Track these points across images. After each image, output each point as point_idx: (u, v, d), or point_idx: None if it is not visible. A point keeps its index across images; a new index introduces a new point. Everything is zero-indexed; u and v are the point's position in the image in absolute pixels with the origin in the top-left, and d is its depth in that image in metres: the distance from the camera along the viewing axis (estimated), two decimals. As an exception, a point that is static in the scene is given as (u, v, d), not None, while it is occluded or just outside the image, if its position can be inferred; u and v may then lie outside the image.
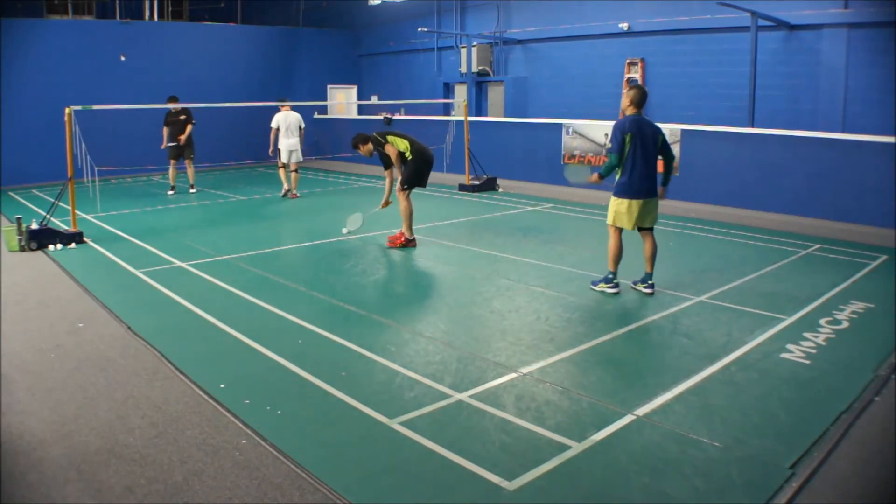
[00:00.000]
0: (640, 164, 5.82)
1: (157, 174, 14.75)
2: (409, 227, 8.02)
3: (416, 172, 8.03)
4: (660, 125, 6.09)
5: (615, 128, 5.85)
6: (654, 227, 6.16)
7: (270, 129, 12.11)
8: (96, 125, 11.40)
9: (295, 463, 3.29)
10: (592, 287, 6.21)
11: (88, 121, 9.71)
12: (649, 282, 6.08)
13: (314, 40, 19.60)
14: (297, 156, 12.16)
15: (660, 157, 6.01)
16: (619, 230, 6.05)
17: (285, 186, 12.35)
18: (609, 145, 5.83)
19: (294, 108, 12.39)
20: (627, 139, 5.78)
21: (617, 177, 5.94)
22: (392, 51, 19.30)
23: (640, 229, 6.08)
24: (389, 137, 8.00)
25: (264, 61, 18.59)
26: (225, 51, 17.82)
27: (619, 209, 5.96)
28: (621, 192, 5.93)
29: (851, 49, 10.85)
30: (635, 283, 6.24)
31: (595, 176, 5.96)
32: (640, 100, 5.91)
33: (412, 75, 18.60)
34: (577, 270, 6.82)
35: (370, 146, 8.12)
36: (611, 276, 6.09)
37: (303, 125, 12.19)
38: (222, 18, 19.85)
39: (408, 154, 7.97)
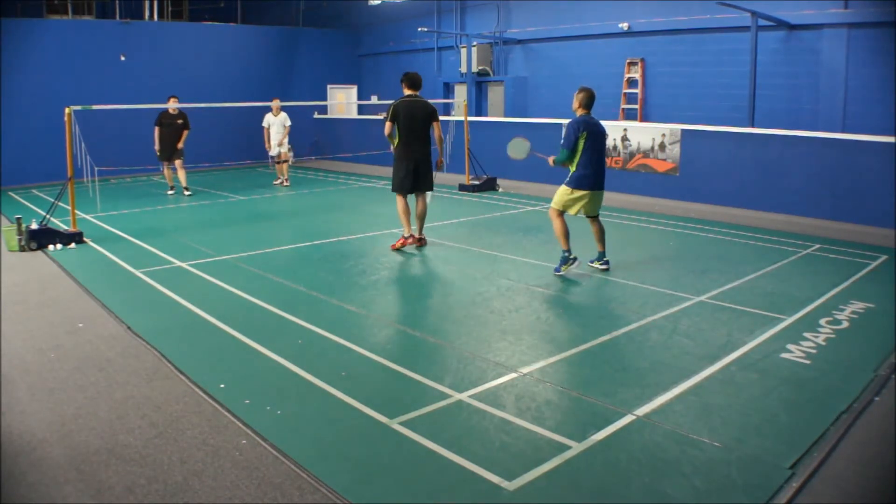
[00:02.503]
0: (594, 159, 6.40)
1: (157, 174, 14.76)
2: (406, 226, 7.90)
3: (394, 173, 7.91)
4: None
5: (569, 126, 6.36)
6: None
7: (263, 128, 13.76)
8: (96, 125, 11.39)
9: (295, 463, 3.29)
10: (556, 273, 6.58)
11: (88, 121, 9.72)
12: (604, 259, 6.77)
13: (314, 40, 19.60)
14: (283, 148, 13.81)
15: None
16: (561, 213, 6.52)
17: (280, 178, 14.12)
18: (562, 142, 6.36)
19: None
20: (582, 137, 6.29)
21: (572, 170, 6.44)
22: (392, 51, 19.30)
23: (588, 216, 6.67)
24: (397, 121, 7.66)
25: (264, 61, 18.59)
26: (225, 51, 17.81)
27: (570, 197, 6.46)
28: (579, 183, 6.42)
29: (851, 49, 10.85)
30: (592, 262, 6.87)
31: (550, 159, 6.54)
32: (589, 102, 6.49)
33: (412, 75, 18.59)
34: (577, 270, 6.82)
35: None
36: (566, 254, 6.53)
37: (287, 123, 13.61)
38: (222, 18, 19.84)
39: (393, 147, 7.89)
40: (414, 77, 7.89)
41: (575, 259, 6.50)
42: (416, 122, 7.72)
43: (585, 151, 6.34)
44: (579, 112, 6.50)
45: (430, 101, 8.18)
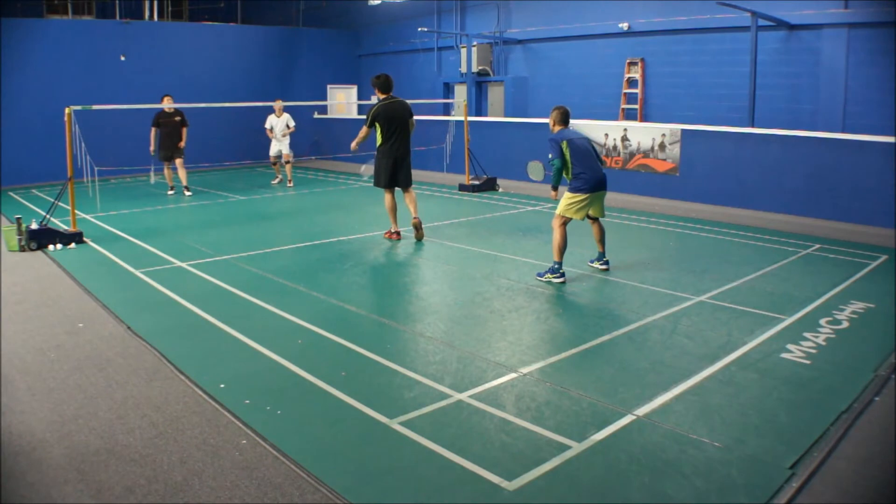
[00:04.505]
0: (586, 164, 6.44)
1: (157, 174, 14.75)
2: (392, 221, 8.43)
3: (377, 171, 8.32)
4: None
5: (551, 141, 6.51)
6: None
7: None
8: (96, 125, 11.41)
9: (295, 463, 3.29)
10: (539, 278, 6.56)
11: (88, 121, 9.71)
12: (604, 259, 6.87)
13: (314, 40, 19.59)
14: (284, 147, 13.92)
15: None
16: (565, 223, 6.52)
17: (279, 178, 14.41)
18: (550, 156, 6.49)
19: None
20: (564, 146, 6.42)
21: (569, 179, 6.52)
22: (392, 51, 19.30)
23: (589, 218, 6.72)
24: (377, 124, 8.09)
25: (264, 61, 18.58)
26: (225, 51, 17.81)
27: (572, 202, 6.46)
28: (579, 188, 6.46)
29: (851, 49, 10.85)
30: (592, 262, 6.97)
31: (552, 193, 6.59)
32: (563, 118, 6.64)
33: (412, 75, 18.60)
34: (577, 270, 6.82)
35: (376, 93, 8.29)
36: (557, 265, 6.50)
37: (291, 124, 13.81)
38: (222, 18, 19.85)
39: (377, 144, 8.23)
40: (385, 81, 8.27)
41: (563, 275, 6.44)
42: (396, 122, 8.16)
43: (573, 159, 6.42)
44: (556, 128, 6.62)
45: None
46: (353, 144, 8.46)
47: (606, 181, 6.58)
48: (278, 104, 13.67)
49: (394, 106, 8.16)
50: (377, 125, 8.10)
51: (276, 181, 14.30)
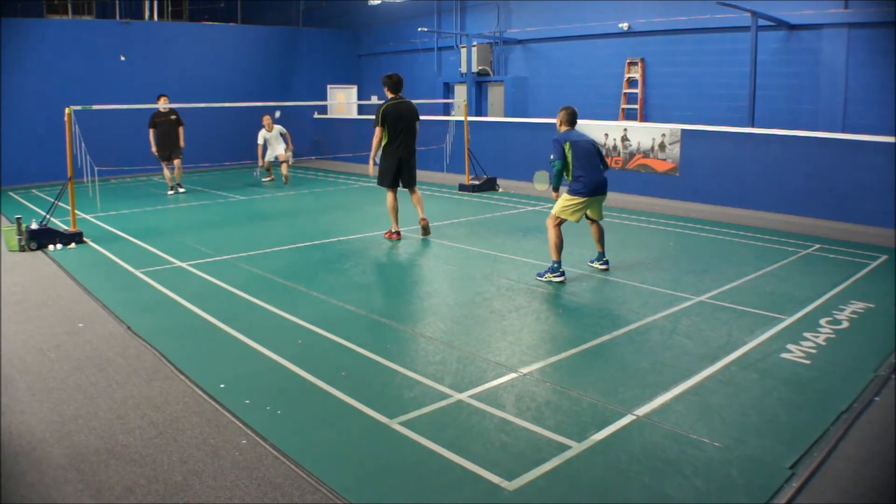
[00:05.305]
0: (586, 167, 6.42)
1: (157, 174, 14.76)
2: (394, 221, 8.43)
3: (382, 171, 8.32)
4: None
5: (554, 141, 6.51)
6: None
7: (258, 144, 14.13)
8: (96, 125, 11.39)
9: (295, 463, 3.29)
10: (539, 278, 6.56)
11: (88, 121, 9.71)
12: (604, 259, 6.87)
13: (314, 40, 19.59)
14: (280, 151, 14.08)
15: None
16: (559, 224, 6.53)
17: (270, 177, 14.56)
18: (552, 156, 6.48)
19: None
20: (567, 147, 6.42)
21: (569, 181, 6.52)
22: (392, 51, 19.29)
23: (589, 219, 6.75)
24: (385, 123, 8.07)
25: (264, 61, 18.58)
26: (225, 51, 17.81)
27: (569, 204, 6.48)
28: (577, 191, 6.46)
29: (851, 49, 10.84)
30: (591, 262, 6.97)
31: (553, 194, 6.61)
32: (570, 119, 6.65)
33: (412, 75, 18.54)
34: (576, 270, 6.82)
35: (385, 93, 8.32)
36: (556, 265, 6.49)
37: (284, 132, 14.07)
38: (222, 18, 19.84)
39: (383, 144, 8.24)
40: (398, 81, 8.29)
41: (563, 273, 6.44)
42: (403, 122, 8.17)
43: (575, 161, 6.42)
44: (562, 129, 6.61)
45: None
46: (372, 160, 8.29)
47: (607, 186, 6.55)
48: (267, 119, 13.86)
49: (401, 107, 8.19)
50: (385, 125, 8.11)
51: (268, 179, 14.44)
